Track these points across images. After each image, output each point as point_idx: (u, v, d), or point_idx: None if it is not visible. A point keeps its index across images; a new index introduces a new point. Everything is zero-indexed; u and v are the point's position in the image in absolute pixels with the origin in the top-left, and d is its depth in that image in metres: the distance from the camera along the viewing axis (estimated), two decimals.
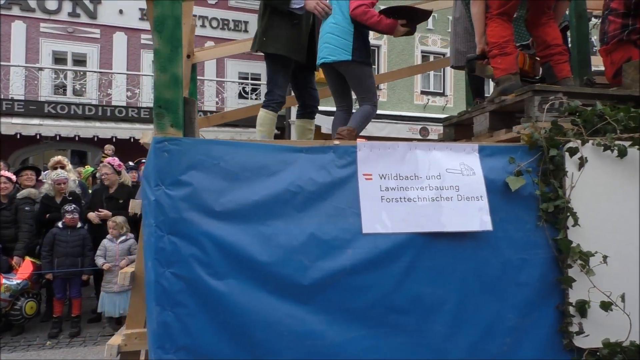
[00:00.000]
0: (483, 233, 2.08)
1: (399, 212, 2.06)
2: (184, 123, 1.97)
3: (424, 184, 2.10)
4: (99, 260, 6.15)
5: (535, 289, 2.10)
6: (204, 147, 1.94)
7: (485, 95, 3.71)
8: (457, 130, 3.11)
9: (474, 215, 2.08)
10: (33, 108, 13.36)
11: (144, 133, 2.68)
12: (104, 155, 9.27)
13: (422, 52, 14.95)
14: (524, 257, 2.11)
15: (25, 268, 6.16)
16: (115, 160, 6.94)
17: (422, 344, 2.02)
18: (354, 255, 1.99)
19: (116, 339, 2.68)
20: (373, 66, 3.26)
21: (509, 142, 2.38)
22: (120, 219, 6.32)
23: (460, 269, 2.06)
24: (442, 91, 15.43)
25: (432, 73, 14.59)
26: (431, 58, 15.15)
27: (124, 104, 14.56)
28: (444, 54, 15.07)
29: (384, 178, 2.09)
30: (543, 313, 2.11)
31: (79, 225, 6.30)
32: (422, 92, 15.17)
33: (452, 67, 3.74)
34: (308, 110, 3.63)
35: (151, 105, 14.39)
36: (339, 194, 2.05)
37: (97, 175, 7.67)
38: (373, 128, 11.33)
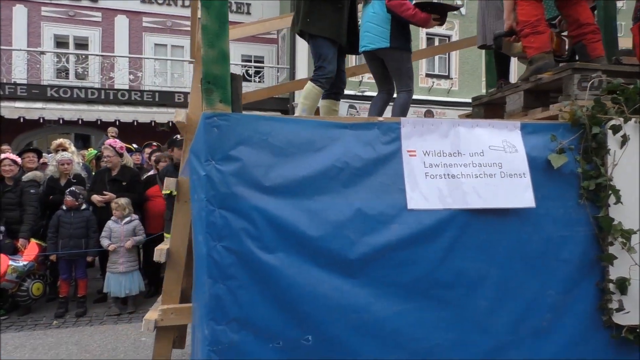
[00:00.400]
0: (525, 210, 2.10)
1: (443, 189, 2.07)
2: (232, 99, 1.97)
3: (467, 161, 2.11)
4: (104, 242, 6.19)
5: (576, 266, 2.13)
6: (252, 123, 1.94)
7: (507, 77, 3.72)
8: (487, 109, 3.11)
9: (516, 192, 2.10)
10: (36, 92, 13.29)
11: (177, 111, 2.69)
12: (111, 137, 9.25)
13: (426, 34, 14.89)
14: (565, 234, 2.13)
15: (30, 250, 6.22)
16: (117, 143, 6.92)
17: (465, 318, 2.05)
18: (399, 231, 2.01)
19: (152, 314, 2.72)
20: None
21: (545, 120, 2.39)
22: (123, 200, 6.35)
23: (503, 245, 2.08)
24: (447, 74, 15.40)
25: (437, 55, 14.58)
26: (436, 41, 15.10)
27: (127, 87, 14.50)
28: (448, 37, 15.04)
29: (428, 155, 2.11)
30: (583, 290, 2.14)
31: (84, 207, 6.34)
32: (427, 75, 15.15)
33: (479, 47, 3.73)
34: (334, 91, 3.63)
35: (153, 88, 14.47)
36: (384, 170, 2.06)
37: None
38: None
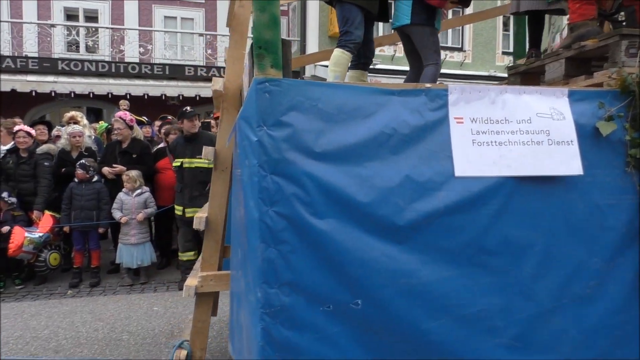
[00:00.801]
0: (572, 177, 2.10)
1: (490, 156, 2.07)
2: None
3: (514, 128, 2.11)
4: (116, 214, 6.32)
5: (622, 234, 2.13)
6: (303, 89, 1.93)
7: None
8: (524, 79, 3.09)
9: (564, 160, 2.09)
10: (47, 65, 13.25)
11: (215, 80, 2.68)
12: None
13: None
14: (611, 202, 2.13)
15: (45, 221, 6.34)
16: (127, 115, 6.96)
17: (510, 284, 2.07)
18: (447, 198, 2.02)
19: (192, 281, 2.77)
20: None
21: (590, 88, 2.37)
22: (134, 172, 6.44)
23: (549, 212, 2.09)
24: (460, 46, 15.21)
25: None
26: (449, 14, 14.87)
27: (137, 60, 14.42)
28: (460, 10, 14.79)
29: (475, 122, 2.10)
30: (628, 258, 2.15)
31: (95, 179, 6.42)
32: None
33: (511, 14, 3.66)
34: (363, 62, 3.61)
35: (163, 61, 14.36)
36: (432, 137, 2.06)
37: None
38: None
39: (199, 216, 2.78)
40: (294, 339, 1.90)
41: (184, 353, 2.80)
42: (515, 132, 2.10)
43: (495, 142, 2.08)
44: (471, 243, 2.03)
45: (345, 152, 1.96)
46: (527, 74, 3.05)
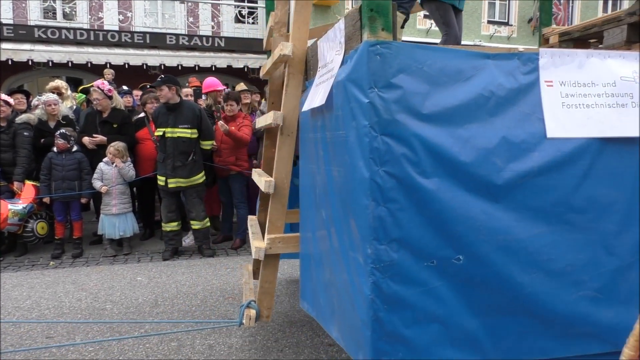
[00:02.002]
0: None
1: (578, 118, 2.16)
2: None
3: (600, 91, 2.20)
4: (96, 183, 6.31)
5: None
6: (411, 51, 1.97)
7: None
8: (577, 44, 3.17)
9: None
10: (23, 33, 12.74)
11: (283, 44, 2.67)
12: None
13: None
14: None
15: (27, 192, 6.31)
16: (105, 85, 6.86)
17: (594, 240, 2.18)
18: (539, 158, 2.10)
19: (261, 243, 2.81)
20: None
21: None
22: (121, 145, 6.39)
23: (631, 172, 2.20)
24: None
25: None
26: None
27: (117, 28, 13.97)
28: None
29: (564, 85, 2.18)
30: None
31: (75, 149, 6.35)
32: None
33: None
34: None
35: (145, 30, 13.94)
36: (524, 100, 2.13)
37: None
38: None
39: (268, 180, 2.81)
40: (401, 293, 1.98)
41: (253, 312, 2.86)
42: (601, 95, 2.19)
43: (582, 104, 2.17)
44: (560, 201, 2.13)
45: (448, 114, 2.01)
46: (580, 41, 3.14)
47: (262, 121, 3.23)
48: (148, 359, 3.50)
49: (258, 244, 2.87)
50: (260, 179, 3.03)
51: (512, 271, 2.07)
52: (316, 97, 2.41)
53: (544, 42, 3.58)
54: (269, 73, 3.27)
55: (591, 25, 3.02)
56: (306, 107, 2.56)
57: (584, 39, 3.09)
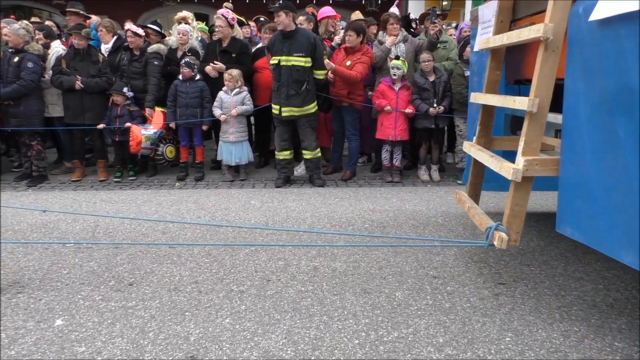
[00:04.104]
0: None
1: None
2: None
3: None
4: (216, 111, 6.61)
5: None
6: None
7: None
8: None
9: None
10: None
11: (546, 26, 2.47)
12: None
13: None
14: None
15: (157, 118, 6.81)
16: (229, 13, 6.96)
17: None
18: None
19: (518, 165, 2.89)
20: None
21: None
22: (235, 72, 6.59)
23: None
24: None
25: None
26: None
27: None
28: None
29: None
30: None
31: (198, 77, 6.65)
32: None
33: None
34: None
35: None
36: None
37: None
38: None
39: (532, 98, 2.76)
40: None
41: (504, 235, 2.89)
42: None
43: None
44: None
45: None
46: None
47: (513, 36, 3.11)
48: (256, 272, 3.68)
49: (509, 165, 2.93)
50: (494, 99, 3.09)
51: None
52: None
53: None
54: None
55: None
56: (596, 16, 2.38)
57: None
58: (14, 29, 6.40)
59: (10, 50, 6.42)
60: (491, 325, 2.94)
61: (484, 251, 4.10)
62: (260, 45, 7.38)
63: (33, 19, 9.42)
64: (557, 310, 3.14)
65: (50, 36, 7.42)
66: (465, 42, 6.69)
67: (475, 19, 4.52)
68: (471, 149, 3.84)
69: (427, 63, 6.46)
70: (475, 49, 4.41)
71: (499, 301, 3.25)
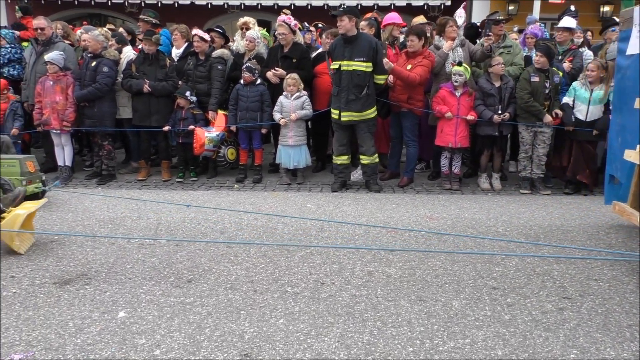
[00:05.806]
0: None
1: None
2: None
3: None
4: (276, 115, 6.71)
5: None
6: None
7: None
8: None
9: None
10: None
11: None
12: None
13: None
14: None
15: (220, 121, 7.00)
16: (292, 20, 7.07)
17: None
18: None
19: None
20: None
21: None
22: (296, 75, 6.66)
23: None
24: None
25: None
26: None
27: None
28: None
29: None
30: None
31: (258, 82, 6.79)
32: None
33: None
34: None
35: None
36: None
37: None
38: None
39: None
40: None
41: None
42: None
43: None
44: None
45: None
46: None
47: None
48: (310, 275, 3.68)
49: None
50: None
51: None
52: None
53: None
54: None
55: None
56: None
57: None
58: (94, 35, 6.84)
59: (89, 55, 6.83)
60: (554, 340, 2.80)
61: (547, 263, 3.92)
62: (320, 50, 7.45)
63: (108, 26, 9.94)
64: (628, 329, 2.95)
65: (122, 42, 7.81)
66: (537, 47, 6.45)
67: (628, 20, 4.35)
68: (638, 157, 3.64)
69: (500, 66, 6.28)
70: (633, 51, 4.20)
71: (563, 316, 3.09)
